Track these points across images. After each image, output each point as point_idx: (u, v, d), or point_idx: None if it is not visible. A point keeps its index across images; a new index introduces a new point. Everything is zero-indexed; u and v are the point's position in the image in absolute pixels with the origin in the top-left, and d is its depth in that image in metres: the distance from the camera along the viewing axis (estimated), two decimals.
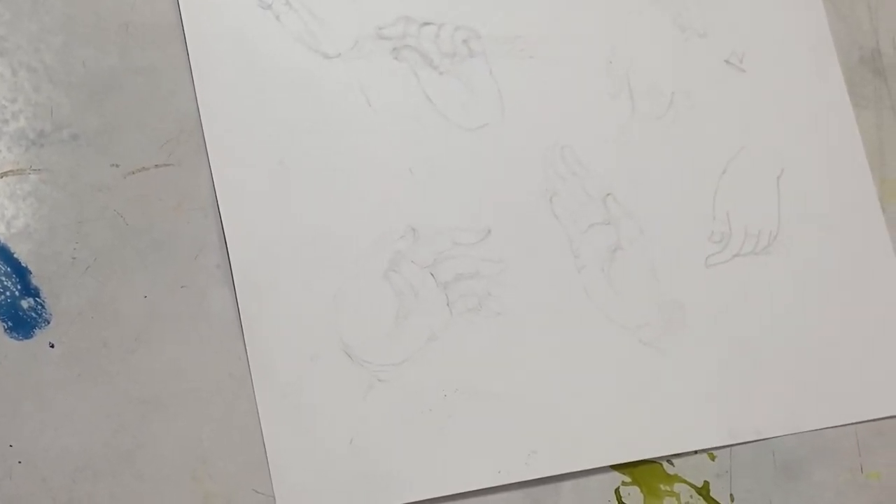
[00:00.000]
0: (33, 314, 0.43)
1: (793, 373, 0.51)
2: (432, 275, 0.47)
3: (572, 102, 0.51)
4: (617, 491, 0.47)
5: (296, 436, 0.44)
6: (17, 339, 0.43)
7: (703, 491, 0.47)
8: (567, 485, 0.46)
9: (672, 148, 0.52)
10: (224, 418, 0.44)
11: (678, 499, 0.47)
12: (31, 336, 0.43)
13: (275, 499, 0.43)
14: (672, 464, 0.48)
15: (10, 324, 0.43)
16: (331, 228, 0.47)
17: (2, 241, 0.43)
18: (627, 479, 0.47)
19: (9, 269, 0.43)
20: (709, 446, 0.48)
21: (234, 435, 0.44)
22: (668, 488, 0.47)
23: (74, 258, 0.44)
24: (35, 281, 0.43)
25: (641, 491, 0.47)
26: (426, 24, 0.49)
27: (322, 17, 0.48)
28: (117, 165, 0.45)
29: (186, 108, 0.46)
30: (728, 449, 0.49)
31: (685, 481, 0.48)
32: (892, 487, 0.49)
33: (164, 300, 0.45)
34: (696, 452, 0.48)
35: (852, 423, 0.50)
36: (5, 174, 0.43)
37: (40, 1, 0.46)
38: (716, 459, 0.49)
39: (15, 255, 0.43)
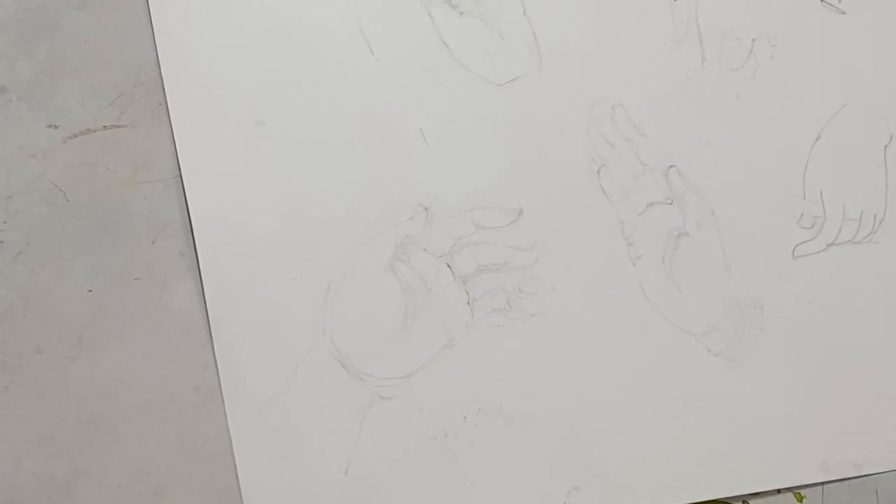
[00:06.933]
0: None
1: None
2: (449, 265, 0.45)
3: (626, 50, 0.48)
4: None
5: (276, 465, 0.42)
6: None
7: None
8: None
9: (751, 108, 0.49)
10: (186, 441, 0.42)
11: None
12: None
13: None
14: None
15: None
16: (321, 206, 0.44)
17: None
18: None
19: None
20: (796, 484, 0.46)
21: (198, 462, 0.42)
22: None
23: (1, 241, 0.42)
24: None
25: None
26: None
27: None
28: (55, 126, 0.43)
29: (142, 53, 0.44)
30: (820, 487, 0.46)
31: None
32: None
33: (112, 294, 0.42)
34: (779, 491, 0.46)
35: None
36: None
37: None
38: (804, 501, 0.46)
39: None
